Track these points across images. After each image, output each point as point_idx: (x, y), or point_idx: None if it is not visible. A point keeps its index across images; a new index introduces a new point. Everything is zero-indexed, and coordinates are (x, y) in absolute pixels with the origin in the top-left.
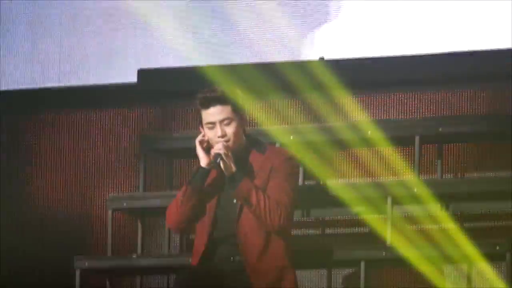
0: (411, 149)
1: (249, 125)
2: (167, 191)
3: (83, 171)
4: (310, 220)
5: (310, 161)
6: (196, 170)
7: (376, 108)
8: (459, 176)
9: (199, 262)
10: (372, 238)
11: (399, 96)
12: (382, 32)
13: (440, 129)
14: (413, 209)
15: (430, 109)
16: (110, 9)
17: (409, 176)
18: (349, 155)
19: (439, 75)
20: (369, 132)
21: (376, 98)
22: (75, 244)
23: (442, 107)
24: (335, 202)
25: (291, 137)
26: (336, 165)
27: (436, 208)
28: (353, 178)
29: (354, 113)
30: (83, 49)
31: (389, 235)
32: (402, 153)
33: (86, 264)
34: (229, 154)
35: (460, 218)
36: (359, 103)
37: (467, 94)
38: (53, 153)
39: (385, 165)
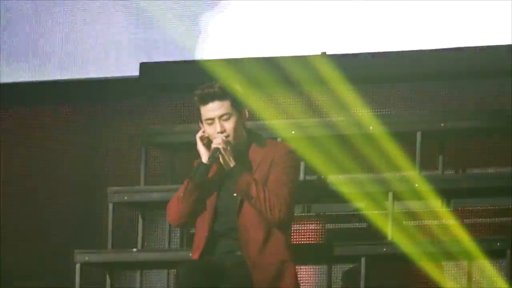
0: (413, 145)
1: (250, 120)
2: (168, 185)
3: (84, 163)
4: (311, 215)
5: (311, 156)
6: (197, 165)
7: (378, 103)
8: (461, 171)
9: (199, 256)
10: (373, 234)
11: (401, 91)
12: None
13: (442, 125)
14: (414, 205)
15: (432, 104)
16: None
17: (411, 172)
18: (350, 150)
19: (442, 70)
20: (371, 127)
21: (378, 93)
22: (76, 237)
23: (445, 103)
24: (336, 197)
25: (293, 132)
26: (338, 160)
27: (437, 204)
28: (354, 173)
29: (356, 108)
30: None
31: (390, 231)
32: (403, 149)
33: (86, 258)
34: (228, 148)
35: (461, 214)
36: (361, 98)
37: (469, 90)
38: (54, 146)
39: (387, 160)
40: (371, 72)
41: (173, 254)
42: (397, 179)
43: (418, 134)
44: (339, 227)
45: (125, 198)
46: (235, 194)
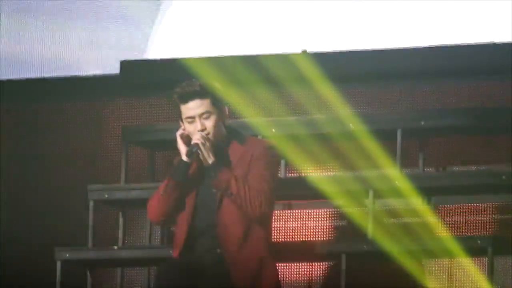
0: (393, 143)
1: (231, 118)
2: (149, 183)
3: (65, 162)
4: (291, 212)
5: (292, 154)
6: (177, 163)
7: (358, 101)
8: (441, 169)
9: (180, 253)
10: (353, 232)
11: (381, 89)
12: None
13: (422, 123)
14: (395, 203)
15: (413, 102)
16: None
17: (391, 169)
18: (331, 148)
19: (422, 69)
20: (351, 125)
21: (358, 91)
22: (56, 235)
23: (425, 101)
24: (317, 195)
25: (273, 130)
26: (318, 158)
27: (417, 202)
28: (334, 171)
29: (336, 106)
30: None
31: (371, 229)
32: (384, 146)
33: (67, 255)
34: (207, 144)
35: (442, 212)
36: (341, 96)
37: (449, 88)
38: (34, 144)
39: (367, 158)
40: (351, 70)
41: (154, 251)
42: (377, 177)
43: (399, 132)
44: (320, 224)
45: (106, 195)
46: (214, 191)
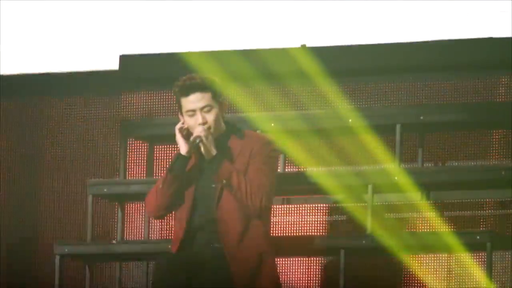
0: (392, 138)
1: (229, 112)
2: (148, 177)
3: (64, 156)
4: (290, 207)
5: (290, 148)
6: (176, 157)
7: (357, 96)
8: (440, 164)
9: (178, 248)
10: (352, 226)
11: (380, 84)
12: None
13: (422, 118)
14: (394, 198)
15: (412, 97)
16: None
17: (390, 164)
18: (330, 143)
19: (421, 64)
20: (350, 120)
21: (357, 86)
22: (55, 229)
23: (424, 96)
24: (316, 189)
25: (272, 124)
26: (317, 152)
27: (416, 197)
28: (333, 166)
29: (336, 101)
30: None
31: (369, 223)
32: (383, 142)
33: (66, 250)
34: (210, 137)
35: (441, 207)
36: (340, 91)
37: (448, 83)
38: (33, 138)
39: (366, 153)
40: (350, 65)
41: (152, 246)
42: (376, 172)
43: (398, 127)
44: (318, 219)
45: (105, 190)
46: (213, 185)
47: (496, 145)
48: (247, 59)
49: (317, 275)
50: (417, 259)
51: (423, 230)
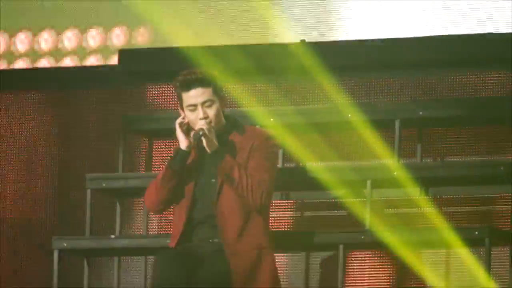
0: (391, 133)
1: (229, 107)
2: (147, 172)
3: (63, 150)
4: (289, 202)
5: (290, 143)
6: (176, 152)
7: (356, 91)
8: (439, 160)
9: (177, 243)
10: (351, 222)
11: (380, 79)
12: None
13: (421, 113)
14: (393, 193)
15: (411, 92)
16: None
17: (389, 160)
18: (329, 138)
19: (421, 59)
20: (349, 115)
21: (356, 81)
22: (53, 224)
23: (423, 91)
24: (315, 184)
25: (272, 119)
26: (316, 147)
27: (415, 192)
28: (333, 161)
29: (335, 97)
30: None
31: (368, 219)
32: (382, 137)
33: (65, 244)
34: (212, 130)
35: (439, 203)
36: (339, 86)
37: (447, 78)
38: (35, 133)
39: (365, 148)
40: (350, 60)
41: (151, 240)
42: (375, 167)
43: (397, 122)
44: (317, 214)
45: (103, 184)
46: (213, 180)
47: (495, 141)
48: (247, 54)
49: (316, 271)
50: (416, 254)
51: (422, 225)
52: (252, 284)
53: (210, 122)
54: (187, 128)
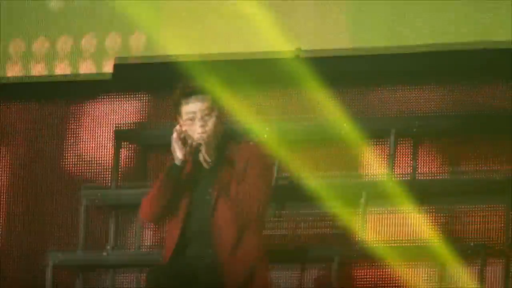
0: (386, 146)
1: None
2: (141, 185)
3: (57, 163)
4: (283, 214)
5: (284, 157)
6: (172, 164)
7: (352, 104)
8: (434, 173)
9: (171, 257)
10: (346, 235)
11: (375, 92)
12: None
13: (416, 125)
14: (387, 206)
15: (406, 106)
16: None
17: (384, 173)
18: (324, 152)
19: (416, 72)
20: (344, 129)
21: (352, 94)
22: (47, 237)
23: (418, 105)
24: (309, 197)
25: (266, 132)
26: (311, 161)
27: (410, 206)
28: (327, 174)
29: (330, 110)
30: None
31: (363, 232)
32: (377, 150)
33: (58, 258)
34: (210, 144)
35: (434, 216)
36: (335, 99)
37: (442, 92)
38: (26, 145)
39: (360, 162)
40: (345, 74)
41: (145, 255)
42: (370, 181)
43: (392, 136)
44: (312, 228)
45: (98, 197)
46: (208, 196)
47: (490, 154)
48: (242, 67)
49: (310, 284)
50: (410, 268)
51: (416, 239)
52: None
53: (208, 133)
54: (184, 139)
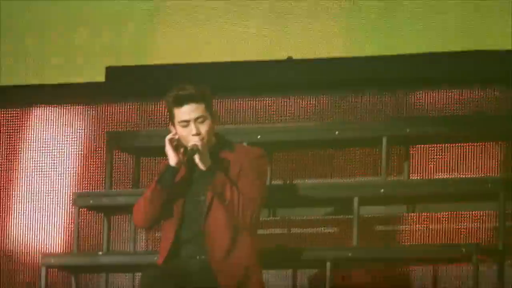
0: (378, 150)
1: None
2: (134, 189)
3: (50, 168)
4: (276, 219)
5: (277, 160)
6: (165, 169)
7: (343, 108)
8: (426, 177)
9: (165, 260)
10: (339, 239)
11: (367, 96)
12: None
13: (408, 130)
14: (380, 210)
15: (398, 110)
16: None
17: (376, 177)
18: (316, 155)
19: (407, 76)
20: (337, 132)
21: (343, 98)
22: (41, 241)
23: (410, 108)
24: (302, 201)
25: (258, 137)
26: (303, 165)
27: (402, 209)
28: (320, 178)
29: (322, 114)
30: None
31: (356, 236)
32: (369, 154)
33: (52, 261)
34: (205, 147)
35: (427, 220)
36: (326, 103)
37: (434, 96)
38: (19, 149)
39: (352, 165)
40: (337, 78)
41: (139, 257)
42: (362, 184)
43: (384, 139)
44: (305, 231)
45: (91, 201)
46: (202, 198)
47: (482, 158)
48: (233, 71)
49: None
50: (403, 271)
51: (409, 242)
52: None
53: (203, 138)
54: (177, 144)
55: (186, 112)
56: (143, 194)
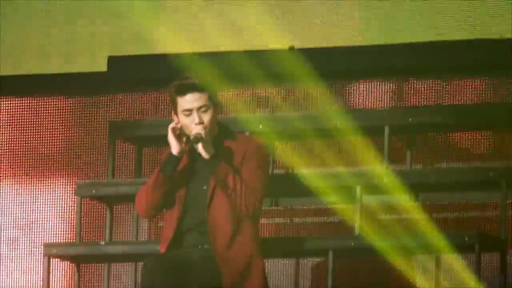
0: (381, 139)
1: (221, 113)
2: (136, 179)
3: (53, 157)
4: (279, 208)
5: (279, 150)
6: (168, 157)
7: (346, 97)
8: (429, 166)
9: (167, 249)
10: (341, 228)
11: (369, 85)
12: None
13: (410, 119)
14: (382, 199)
15: (400, 99)
16: None
17: (379, 166)
18: (319, 145)
19: (410, 65)
20: (339, 122)
21: (346, 87)
22: (44, 231)
23: (413, 97)
24: (304, 191)
25: (260, 126)
26: (306, 154)
27: (405, 198)
28: (322, 167)
29: (324, 103)
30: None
31: (358, 225)
32: (371, 143)
33: (55, 251)
34: (208, 136)
35: (429, 209)
36: (329, 92)
37: (436, 85)
38: (21, 139)
39: (355, 154)
40: (339, 67)
41: (141, 247)
42: (365, 174)
43: (386, 129)
44: (307, 220)
45: (93, 191)
46: (205, 187)
47: (484, 147)
48: (236, 61)
49: (305, 277)
50: (405, 260)
51: (411, 231)
52: None
53: (206, 127)
54: (180, 133)
55: (189, 101)
56: (145, 184)
